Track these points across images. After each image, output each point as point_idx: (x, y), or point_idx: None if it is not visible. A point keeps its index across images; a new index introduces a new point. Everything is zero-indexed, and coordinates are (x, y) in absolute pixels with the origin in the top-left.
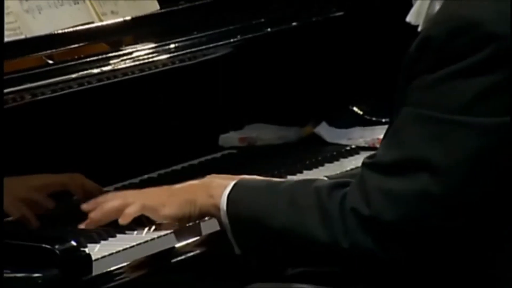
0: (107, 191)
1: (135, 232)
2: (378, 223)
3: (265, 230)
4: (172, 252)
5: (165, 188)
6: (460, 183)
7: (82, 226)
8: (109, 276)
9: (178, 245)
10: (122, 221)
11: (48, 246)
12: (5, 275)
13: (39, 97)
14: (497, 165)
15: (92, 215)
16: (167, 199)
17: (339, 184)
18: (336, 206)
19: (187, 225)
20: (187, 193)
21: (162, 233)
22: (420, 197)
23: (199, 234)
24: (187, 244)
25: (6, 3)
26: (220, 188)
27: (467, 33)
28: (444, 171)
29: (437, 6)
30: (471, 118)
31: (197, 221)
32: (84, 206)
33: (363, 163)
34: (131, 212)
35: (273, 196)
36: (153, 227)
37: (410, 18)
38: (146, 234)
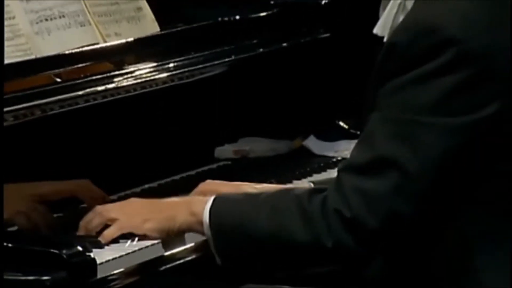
0: (113, 199)
1: (137, 238)
2: (360, 225)
3: (249, 238)
4: (171, 257)
5: (148, 204)
6: (428, 181)
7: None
8: (112, 278)
9: (175, 250)
10: (103, 241)
11: (56, 251)
12: (16, 277)
13: (49, 113)
14: (462, 162)
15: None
16: (148, 215)
17: (317, 190)
18: (317, 208)
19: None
20: (168, 210)
21: (158, 240)
22: (393, 195)
23: (194, 240)
24: (185, 249)
25: (18, 26)
26: (201, 204)
27: (429, 37)
28: (413, 169)
29: (401, 18)
30: (436, 119)
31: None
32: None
33: (338, 168)
34: (110, 234)
35: (254, 205)
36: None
37: (377, 30)
38: (147, 241)
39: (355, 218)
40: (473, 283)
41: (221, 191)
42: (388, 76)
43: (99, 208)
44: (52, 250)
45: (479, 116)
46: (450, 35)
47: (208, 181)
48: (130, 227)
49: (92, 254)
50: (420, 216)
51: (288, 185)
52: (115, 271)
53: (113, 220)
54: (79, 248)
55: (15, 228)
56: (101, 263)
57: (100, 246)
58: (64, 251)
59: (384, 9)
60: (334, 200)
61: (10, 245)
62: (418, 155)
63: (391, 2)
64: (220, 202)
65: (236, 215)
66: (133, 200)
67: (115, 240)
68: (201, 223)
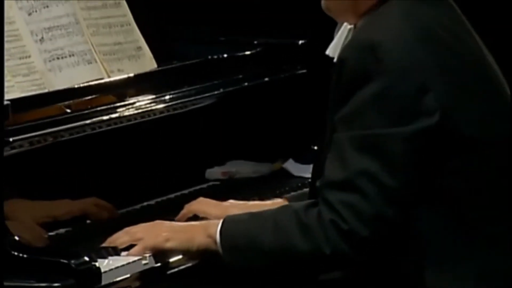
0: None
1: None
2: (354, 234)
3: (256, 252)
4: (167, 265)
5: (170, 226)
6: (400, 184)
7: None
8: (115, 285)
9: (171, 260)
10: (131, 254)
11: (65, 261)
12: (29, 284)
13: (60, 139)
14: (424, 165)
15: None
16: (170, 235)
17: (311, 204)
18: (314, 220)
19: None
20: (187, 232)
21: None
22: (375, 204)
23: None
24: (178, 259)
25: (33, 64)
26: (215, 226)
27: (371, 54)
28: (385, 177)
29: None
30: (393, 129)
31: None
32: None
33: (320, 186)
34: (136, 250)
35: (258, 224)
36: None
37: (329, 51)
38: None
39: (350, 230)
40: (426, 283)
41: (210, 210)
42: (343, 97)
43: (127, 228)
44: (61, 260)
45: (425, 124)
46: (392, 56)
47: (200, 199)
48: (153, 246)
49: (97, 264)
50: (401, 216)
51: (267, 201)
52: (118, 279)
53: (139, 240)
54: (86, 258)
55: None
56: (105, 272)
57: (104, 256)
58: (72, 261)
59: (338, 31)
60: (328, 213)
61: (24, 255)
62: (386, 164)
63: (343, 26)
64: (228, 223)
65: (243, 233)
66: (158, 222)
67: (116, 252)
68: (215, 242)
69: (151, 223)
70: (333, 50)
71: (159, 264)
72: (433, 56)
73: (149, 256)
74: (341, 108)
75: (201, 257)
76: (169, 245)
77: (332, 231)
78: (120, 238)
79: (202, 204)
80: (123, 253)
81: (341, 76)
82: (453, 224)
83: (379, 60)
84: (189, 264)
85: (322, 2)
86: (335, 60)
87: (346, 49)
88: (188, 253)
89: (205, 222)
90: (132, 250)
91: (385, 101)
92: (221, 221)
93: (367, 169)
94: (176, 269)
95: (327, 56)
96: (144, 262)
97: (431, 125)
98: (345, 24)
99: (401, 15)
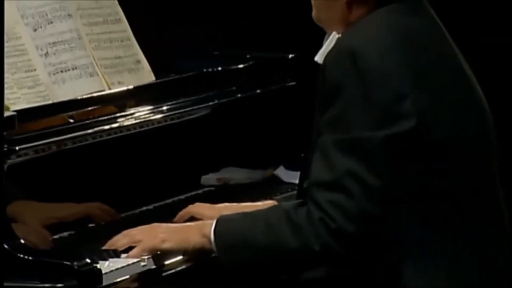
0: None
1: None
2: (342, 231)
3: (249, 250)
4: (164, 267)
5: (166, 228)
6: (382, 183)
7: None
8: (115, 286)
9: (167, 262)
10: (131, 256)
11: (68, 263)
12: (33, 285)
13: (63, 148)
14: (403, 165)
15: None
16: (167, 236)
17: (300, 203)
18: (303, 218)
19: None
20: (183, 233)
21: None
22: (360, 202)
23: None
24: (176, 261)
25: (38, 77)
26: (209, 226)
27: (352, 61)
28: (368, 177)
29: None
30: (373, 133)
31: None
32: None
33: (308, 187)
34: (135, 252)
35: (250, 222)
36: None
37: (317, 58)
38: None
39: (338, 228)
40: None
41: (205, 212)
42: (326, 102)
43: (126, 231)
44: (65, 262)
45: (403, 128)
46: (370, 63)
47: (196, 203)
48: (151, 247)
49: (98, 265)
50: (383, 212)
51: (258, 203)
52: (118, 279)
53: (138, 242)
54: (88, 260)
55: None
56: (106, 273)
57: (105, 258)
58: (75, 263)
59: (327, 40)
60: (317, 211)
61: (29, 257)
62: (369, 165)
63: (332, 35)
64: (222, 222)
65: (236, 232)
66: (155, 225)
67: (116, 255)
68: (209, 242)
69: (149, 225)
70: (320, 57)
71: (157, 266)
72: (411, 63)
73: (148, 258)
74: (325, 112)
75: (197, 256)
76: (166, 246)
77: (322, 229)
78: (119, 240)
79: (198, 207)
80: (123, 255)
81: (324, 81)
82: (429, 222)
83: (358, 67)
84: (186, 266)
85: (313, 14)
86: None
87: (328, 56)
88: (184, 253)
89: (200, 222)
90: (132, 252)
91: (364, 106)
92: (215, 221)
93: (352, 170)
94: (173, 271)
95: (315, 70)
96: (142, 264)
97: (408, 129)
98: (334, 32)
99: (381, 23)
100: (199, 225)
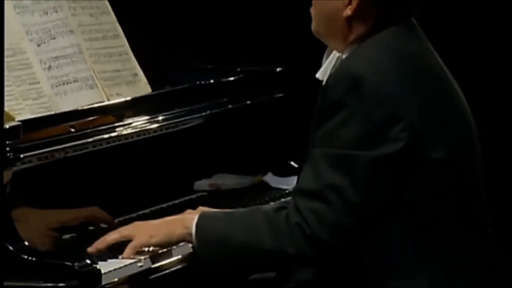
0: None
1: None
2: (316, 237)
3: (227, 246)
4: (159, 268)
5: (152, 224)
6: (360, 199)
7: (90, 249)
8: (114, 285)
9: (163, 262)
10: (125, 257)
11: (69, 263)
12: (37, 285)
13: (65, 156)
14: (387, 184)
15: (97, 244)
16: (153, 232)
17: (280, 207)
18: (282, 221)
19: (170, 248)
20: (167, 227)
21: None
22: (337, 213)
23: (179, 254)
24: (171, 261)
25: (42, 89)
26: (191, 220)
27: (353, 85)
28: (349, 192)
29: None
30: (362, 152)
31: (178, 246)
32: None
33: (294, 193)
34: (128, 252)
35: (231, 220)
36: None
37: (318, 75)
38: (140, 255)
39: (312, 234)
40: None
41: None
42: (324, 118)
43: (116, 230)
44: (66, 263)
45: (393, 149)
46: (371, 85)
47: (188, 210)
48: (141, 244)
49: (98, 266)
50: (358, 226)
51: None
52: (116, 279)
53: (127, 237)
54: (88, 261)
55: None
56: (105, 273)
57: (104, 259)
58: (76, 264)
59: (327, 57)
60: (295, 217)
61: (33, 259)
62: (352, 181)
63: (332, 54)
64: (204, 217)
65: (216, 228)
66: (140, 223)
67: (115, 256)
68: (191, 234)
69: (135, 223)
70: (322, 74)
71: (154, 266)
72: (409, 87)
73: (144, 258)
74: (321, 127)
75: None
76: (153, 241)
77: (297, 233)
78: (110, 236)
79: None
80: (122, 256)
81: (324, 100)
82: (413, 234)
83: (359, 90)
84: (182, 266)
85: (312, 27)
86: (324, 83)
87: (331, 78)
88: (169, 245)
89: (183, 216)
90: (125, 253)
91: (359, 126)
92: (197, 215)
93: (336, 184)
94: (168, 270)
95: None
96: (139, 264)
97: (396, 151)
98: (334, 52)
99: (381, 49)
100: (183, 217)
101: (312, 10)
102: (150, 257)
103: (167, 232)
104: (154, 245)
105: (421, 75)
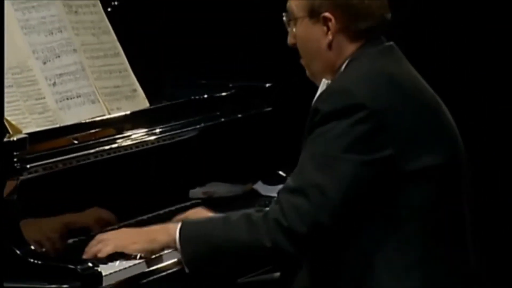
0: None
1: (131, 257)
2: (293, 231)
3: (208, 245)
4: (158, 270)
5: (136, 231)
6: (341, 200)
7: (84, 256)
8: (114, 287)
9: (162, 264)
10: (101, 256)
11: (72, 266)
12: (42, 286)
13: (68, 166)
14: (367, 188)
15: (85, 255)
16: (136, 238)
17: (261, 209)
18: (260, 217)
19: (166, 252)
20: (150, 234)
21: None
22: (316, 210)
23: (173, 258)
24: (170, 263)
25: (47, 104)
26: (175, 227)
27: (343, 99)
28: (330, 192)
29: None
30: (348, 155)
31: (173, 250)
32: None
33: (279, 191)
34: (106, 251)
35: (212, 222)
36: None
37: (314, 102)
38: (138, 259)
39: (289, 226)
40: (373, 284)
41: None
42: (314, 127)
43: (99, 236)
44: (69, 266)
45: (378, 156)
46: (358, 99)
47: (196, 208)
48: (123, 247)
49: (99, 268)
50: (335, 225)
51: None
52: (117, 281)
53: (109, 243)
54: (90, 264)
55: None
56: (106, 275)
57: (105, 262)
58: (78, 266)
59: (319, 84)
60: (274, 212)
61: (39, 262)
62: (334, 181)
63: (322, 82)
64: (186, 223)
65: (198, 230)
66: (124, 229)
67: (115, 259)
68: (174, 240)
69: (119, 230)
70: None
71: (151, 268)
72: (394, 101)
73: (143, 262)
74: (311, 135)
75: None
76: (135, 247)
77: (274, 226)
78: (93, 246)
79: (196, 212)
80: (121, 259)
81: (315, 112)
82: (401, 236)
83: (348, 101)
84: (177, 268)
85: (308, 73)
86: (315, 98)
87: (321, 94)
88: (153, 253)
89: (166, 224)
90: (103, 250)
91: (348, 133)
92: (180, 222)
93: (318, 183)
94: (165, 273)
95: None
96: (138, 266)
97: (381, 158)
98: (323, 80)
99: (369, 66)
100: (165, 226)
101: (302, 60)
102: (149, 260)
103: (150, 239)
104: (135, 252)
105: (404, 90)
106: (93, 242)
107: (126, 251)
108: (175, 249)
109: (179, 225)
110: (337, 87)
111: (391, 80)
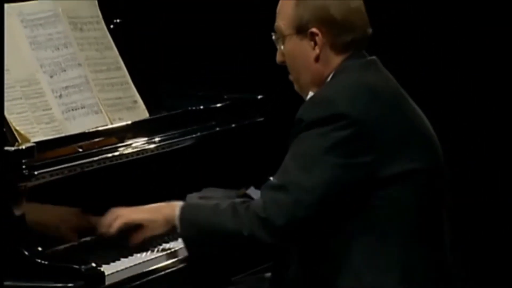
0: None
1: (133, 257)
2: (271, 223)
3: (198, 228)
4: (156, 270)
5: (145, 206)
6: (317, 198)
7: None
8: (116, 285)
9: (163, 264)
10: (114, 228)
11: (77, 266)
12: (48, 285)
13: (73, 172)
14: (344, 189)
15: (99, 229)
16: (143, 210)
17: (246, 200)
18: (243, 208)
19: (164, 253)
20: (156, 207)
21: (148, 258)
22: (294, 206)
23: (171, 258)
24: (169, 263)
25: (54, 114)
26: (177, 205)
27: (325, 108)
28: (308, 189)
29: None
30: (329, 158)
31: (171, 250)
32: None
33: (263, 186)
34: (116, 225)
35: (206, 208)
36: (144, 254)
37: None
38: (138, 259)
39: (267, 218)
40: (353, 281)
41: None
42: (297, 134)
43: (113, 209)
44: (74, 266)
45: (356, 161)
46: (340, 109)
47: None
48: (131, 220)
49: (102, 268)
50: (311, 220)
51: None
52: (119, 280)
53: (119, 218)
54: (93, 264)
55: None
56: (108, 275)
57: (107, 262)
58: (82, 266)
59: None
60: (256, 205)
61: (45, 262)
62: (312, 180)
63: (308, 95)
64: (187, 205)
65: (193, 214)
66: (136, 207)
67: (116, 259)
68: (174, 217)
69: (131, 208)
70: None
71: (152, 268)
72: (375, 110)
73: (144, 261)
74: (296, 139)
75: (164, 229)
76: (144, 216)
77: (253, 217)
78: (106, 220)
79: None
80: (123, 259)
81: (298, 120)
82: (373, 238)
83: (330, 109)
84: (178, 267)
85: (296, 87)
86: (301, 107)
87: (307, 102)
88: (155, 223)
89: (172, 202)
90: (114, 224)
91: (328, 137)
92: (182, 203)
93: (299, 181)
94: (164, 272)
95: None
96: (139, 266)
97: (359, 163)
98: (310, 92)
99: (351, 78)
100: (171, 203)
101: (291, 76)
102: (150, 260)
103: (155, 210)
104: (142, 220)
105: (384, 101)
106: (106, 216)
107: (133, 221)
108: (174, 224)
109: (181, 204)
110: (319, 98)
111: (371, 91)
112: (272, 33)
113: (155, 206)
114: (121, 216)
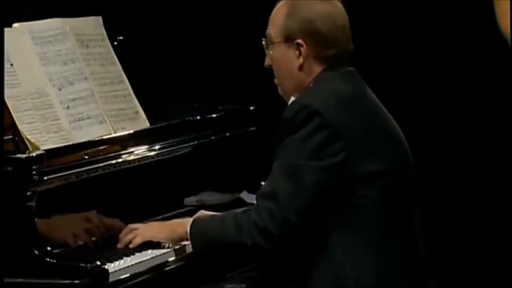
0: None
1: (134, 256)
2: (268, 231)
3: (206, 241)
4: (157, 267)
5: (159, 223)
6: (305, 202)
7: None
8: (119, 282)
9: (159, 263)
10: (132, 245)
11: (83, 265)
12: (56, 282)
13: (80, 178)
14: (327, 189)
15: (119, 245)
16: (161, 229)
17: (248, 209)
18: (245, 219)
19: (164, 252)
20: (171, 227)
21: (148, 257)
22: (285, 213)
23: (171, 257)
24: (170, 260)
25: (61, 124)
26: (188, 222)
27: (303, 111)
28: (296, 195)
29: None
30: (310, 162)
31: (171, 250)
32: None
33: (256, 195)
34: (137, 240)
35: (213, 220)
36: (148, 252)
37: None
38: (139, 258)
39: (264, 227)
40: (333, 276)
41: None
42: (281, 139)
43: (130, 225)
44: (80, 264)
45: (333, 161)
46: (315, 110)
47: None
48: (150, 237)
49: (106, 266)
50: (302, 223)
51: None
52: (122, 277)
53: (139, 234)
54: (98, 262)
55: (58, 250)
56: (112, 272)
57: (111, 261)
58: (88, 265)
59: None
60: (253, 215)
61: (54, 261)
62: (299, 186)
63: (290, 100)
64: (196, 220)
65: (202, 228)
66: (151, 223)
67: (120, 258)
68: (187, 232)
69: (147, 223)
70: None
71: (152, 265)
72: (347, 115)
73: (145, 260)
74: (279, 145)
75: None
76: (160, 236)
77: (253, 227)
78: (124, 236)
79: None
80: (125, 258)
81: (281, 126)
82: (357, 231)
83: (307, 116)
84: (177, 265)
85: (280, 91)
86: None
87: (287, 108)
88: (172, 240)
89: (184, 219)
90: (134, 241)
91: (308, 143)
92: (192, 220)
93: (285, 188)
94: (163, 270)
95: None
96: (141, 264)
97: (336, 163)
98: (292, 98)
99: (326, 87)
100: (183, 221)
101: (276, 79)
102: (150, 259)
103: (172, 230)
104: (161, 240)
105: (357, 106)
106: (125, 230)
107: (154, 239)
108: (188, 239)
109: (191, 221)
110: (299, 102)
111: (344, 97)
112: (263, 39)
113: (170, 225)
114: (140, 234)
